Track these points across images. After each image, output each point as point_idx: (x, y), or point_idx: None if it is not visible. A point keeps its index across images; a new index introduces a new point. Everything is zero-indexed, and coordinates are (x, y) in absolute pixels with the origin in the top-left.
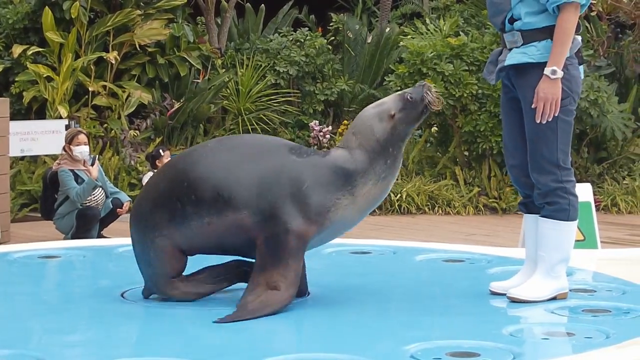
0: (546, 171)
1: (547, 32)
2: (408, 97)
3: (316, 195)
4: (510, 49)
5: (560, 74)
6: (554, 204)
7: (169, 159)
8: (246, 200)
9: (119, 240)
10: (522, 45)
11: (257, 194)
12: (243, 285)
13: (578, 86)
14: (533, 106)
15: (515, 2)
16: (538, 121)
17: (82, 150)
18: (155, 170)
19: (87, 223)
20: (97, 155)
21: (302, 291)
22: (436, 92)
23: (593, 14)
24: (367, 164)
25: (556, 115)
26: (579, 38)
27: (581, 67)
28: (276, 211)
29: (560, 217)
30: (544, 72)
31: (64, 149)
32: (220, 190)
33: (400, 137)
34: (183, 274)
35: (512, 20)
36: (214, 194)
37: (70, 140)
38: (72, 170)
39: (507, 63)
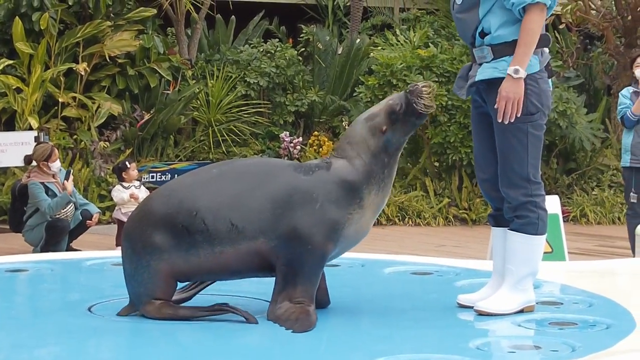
0: (516, 185)
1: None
2: (397, 109)
3: (330, 213)
4: (480, 64)
5: (523, 73)
6: (523, 218)
7: (135, 171)
8: (261, 227)
9: (87, 253)
10: (492, 60)
11: (271, 220)
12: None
13: (548, 100)
14: (495, 106)
15: (483, 14)
16: (500, 121)
17: (58, 166)
18: (124, 185)
19: (57, 235)
20: (71, 169)
21: (324, 302)
22: (428, 90)
23: (562, 25)
24: (367, 174)
25: (518, 115)
26: (547, 51)
27: (550, 81)
28: (294, 233)
29: (529, 230)
30: (507, 71)
31: (38, 165)
32: (233, 220)
33: (395, 147)
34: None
35: (483, 35)
36: (226, 224)
37: (47, 157)
38: (42, 183)
39: (477, 78)
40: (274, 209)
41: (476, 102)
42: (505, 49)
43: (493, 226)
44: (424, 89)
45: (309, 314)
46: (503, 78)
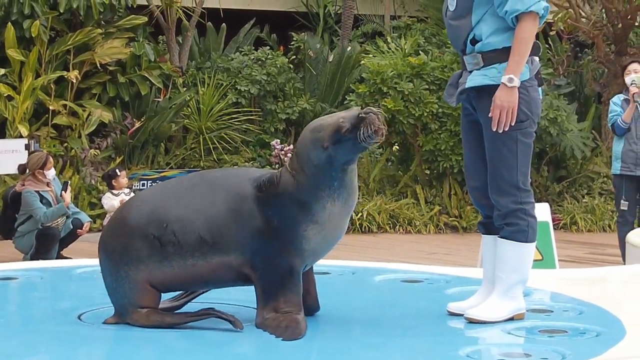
0: (506, 193)
1: (507, 54)
2: (343, 129)
3: (287, 231)
4: (471, 71)
5: (517, 82)
6: (513, 225)
7: (125, 179)
8: (231, 242)
9: (77, 261)
10: (482, 67)
11: (238, 236)
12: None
13: (538, 108)
14: (490, 115)
15: (476, 22)
16: (494, 129)
17: (52, 173)
18: (114, 193)
19: (47, 243)
20: (69, 181)
21: (314, 308)
22: (377, 125)
23: (552, 33)
24: (313, 188)
25: (512, 124)
26: (537, 59)
27: (540, 89)
28: (259, 250)
29: (519, 238)
30: (501, 80)
31: (33, 173)
32: (202, 234)
33: (341, 162)
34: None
35: (474, 42)
36: (196, 237)
37: (43, 165)
38: (37, 192)
39: (467, 85)
40: (239, 224)
41: (466, 109)
42: (496, 56)
43: (483, 234)
44: (376, 120)
45: (298, 322)
46: (493, 85)
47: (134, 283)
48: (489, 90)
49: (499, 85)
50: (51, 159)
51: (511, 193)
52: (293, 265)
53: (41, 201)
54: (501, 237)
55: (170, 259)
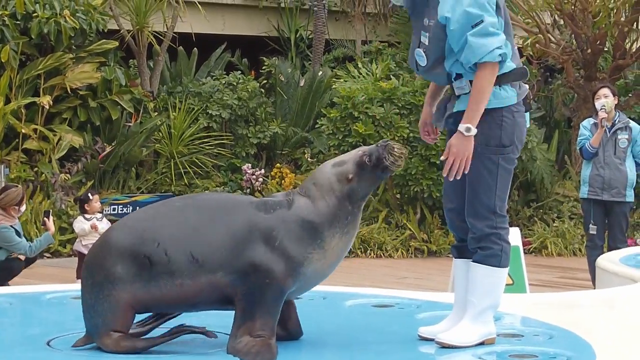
0: (482, 217)
1: (495, 79)
2: (366, 160)
3: (289, 250)
4: (459, 96)
5: (474, 131)
6: (486, 249)
7: (98, 202)
8: (221, 261)
9: (47, 287)
10: (470, 92)
11: (231, 255)
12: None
13: (522, 134)
14: (442, 158)
15: (450, 66)
16: (445, 175)
17: (24, 209)
18: (86, 217)
19: (9, 275)
20: (50, 210)
21: (296, 333)
22: (399, 150)
23: (522, 58)
24: (331, 217)
25: (466, 172)
26: (526, 86)
27: (527, 115)
28: (253, 268)
29: (491, 262)
30: (458, 128)
31: (5, 209)
32: (194, 253)
33: (360, 196)
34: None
35: (458, 76)
36: (187, 256)
37: (19, 202)
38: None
39: (455, 109)
40: (234, 244)
41: (452, 132)
42: None
43: (455, 257)
44: (395, 146)
45: (270, 346)
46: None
47: (114, 304)
48: None
49: (488, 110)
50: (24, 194)
51: (487, 217)
52: (284, 288)
53: (17, 235)
54: (474, 261)
55: (159, 279)
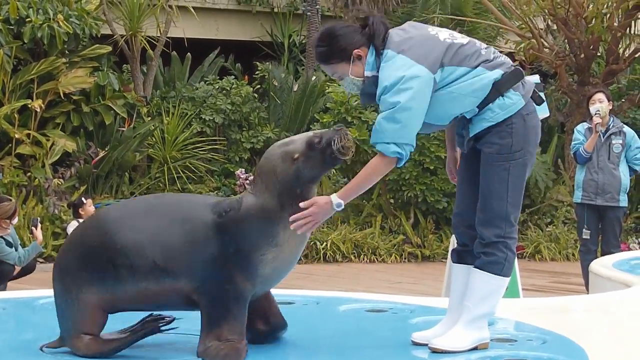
0: (492, 224)
1: (494, 92)
2: (316, 140)
3: (244, 255)
4: (470, 119)
5: (342, 207)
6: (490, 256)
7: (92, 207)
8: (182, 267)
9: (40, 292)
10: (479, 112)
11: (191, 261)
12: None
13: (536, 136)
14: (302, 205)
15: (447, 123)
16: (293, 227)
17: (16, 221)
18: (80, 221)
19: (2, 278)
20: (39, 218)
21: (280, 325)
22: (350, 142)
23: (516, 63)
24: (277, 208)
25: (312, 229)
26: (532, 81)
27: (543, 106)
28: (212, 275)
29: (493, 270)
30: (330, 198)
31: None
32: (156, 259)
33: (307, 180)
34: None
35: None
36: (149, 261)
37: (11, 216)
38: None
39: (471, 134)
40: (192, 250)
41: (470, 154)
42: (487, 99)
43: (454, 262)
44: (348, 135)
45: (238, 350)
46: (493, 125)
47: (82, 306)
48: (489, 129)
49: (499, 122)
50: (18, 208)
51: (497, 225)
52: (243, 292)
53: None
54: (476, 267)
55: (123, 282)
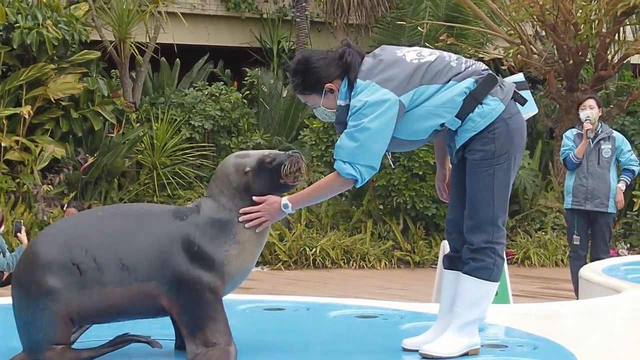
0: (480, 230)
1: (471, 101)
2: (267, 160)
3: (209, 254)
4: (455, 131)
5: (290, 211)
6: (479, 261)
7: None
8: (150, 271)
9: None
10: (462, 123)
11: (159, 264)
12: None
13: (521, 139)
14: (255, 198)
15: (429, 138)
16: (241, 219)
17: (2, 229)
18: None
19: None
20: (21, 221)
21: None
22: (300, 170)
23: (504, 67)
24: (235, 208)
25: (259, 229)
26: (512, 83)
27: (529, 104)
28: (181, 278)
29: (482, 275)
30: (280, 199)
31: None
32: (123, 260)
33: (260, 192)
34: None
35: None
36: (117, 264)
37: None
38: None
39: (458, 146)
40: (157, 254)
41: (457, 164)
42: (464, 111)
43: (446, 268)
44: (301, 162)
45: (228, 353)
46: (477, 133)
47: (51, 316)
48: (473, 137)
49: (481, 130)
50: (5, 216)
51: (485, 230)
52: (214, 291)
53: None
54: (465, 272)
55: (90, 287)
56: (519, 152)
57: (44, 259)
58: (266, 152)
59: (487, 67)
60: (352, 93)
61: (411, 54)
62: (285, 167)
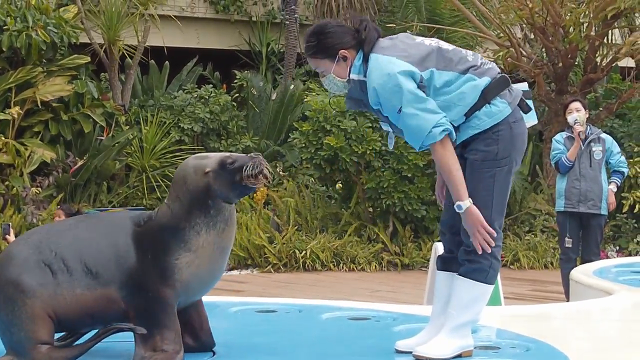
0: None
1: (481, 99)
2: (229, 161)
3: (158, 262)
4: (457, 127)
5: (465, 205)
6: (474, 263)
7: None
8: (111, 275)
9: None
10: (465, 120)
11: (117, 270)
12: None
13: (522, 144)
14: (472, 239)
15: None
16: (479, 252)
17: None
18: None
19: None
20: (10, 223)
21: (208, 343)
22: (262, 172)
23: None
24: (187, 215)
25: (494, 239)
26: (520, 89)
27: (531, 114)
28: (135, 283)
29: (478, 277)
30: (455, 208)
31: None
32: (87, 264)
33: (217, 196)
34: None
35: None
36: (82, 266)
37: None
38: None
39: (458, 142)
40: (117, 259)
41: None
42: (473, 107)
43: (439, 269)
44: (262, 166)
45: (166, 356)
46: (479, 132)
47: (31, 312)
48: (475, 136)
49: (485, 129)
50: None
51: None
52: (166, 299)
53: None
54: (460, 274)
55: (62, 287)
56: (519, 158)
57: (17, 259)
58: (226, 154)
59: (500, 70)
60: (369, 67)
61: (429, 40)
62: (247, 169)
